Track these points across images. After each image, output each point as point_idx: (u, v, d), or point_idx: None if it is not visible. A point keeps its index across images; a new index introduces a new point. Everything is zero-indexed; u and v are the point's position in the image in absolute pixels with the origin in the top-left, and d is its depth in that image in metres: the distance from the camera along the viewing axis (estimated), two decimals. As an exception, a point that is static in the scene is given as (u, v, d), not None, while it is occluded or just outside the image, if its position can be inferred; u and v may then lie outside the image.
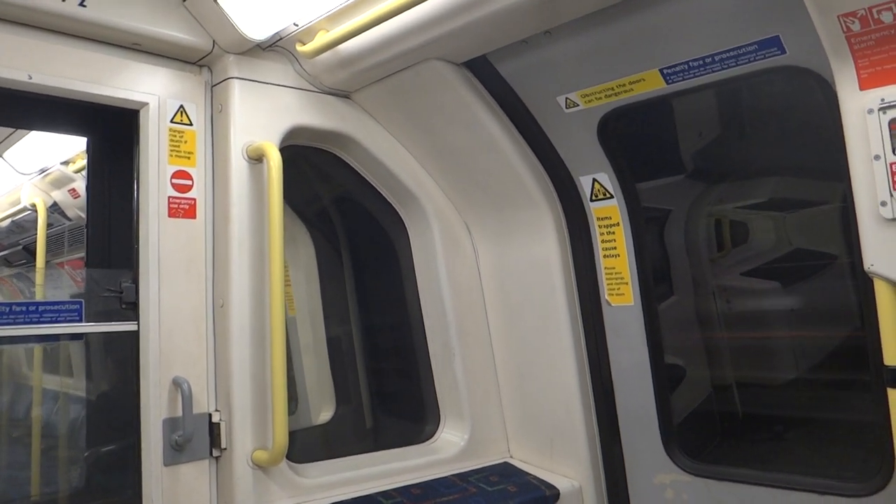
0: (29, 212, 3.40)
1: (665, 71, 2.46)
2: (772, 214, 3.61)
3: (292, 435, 2.52)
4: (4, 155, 3.26)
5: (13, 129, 3.05)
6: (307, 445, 3.24)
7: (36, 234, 3.33)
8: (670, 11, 2.30)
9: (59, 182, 3.26)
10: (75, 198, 3.22)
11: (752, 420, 3.50)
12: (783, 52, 2.22)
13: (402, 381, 3.49)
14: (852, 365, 3.17)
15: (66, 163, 3.18)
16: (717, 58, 2.34)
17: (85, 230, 2.64)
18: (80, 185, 3.18)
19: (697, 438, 3.06)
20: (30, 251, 3.51)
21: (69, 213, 3.27)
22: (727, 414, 3.52)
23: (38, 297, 2.70)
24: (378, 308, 3.60)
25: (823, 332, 3.44)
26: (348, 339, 3.59)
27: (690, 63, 2.40)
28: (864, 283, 2.25)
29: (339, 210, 3.67)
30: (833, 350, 3.40)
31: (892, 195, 1.89)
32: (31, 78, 2.35)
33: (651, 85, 2.53)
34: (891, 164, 1.89)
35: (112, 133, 2.68)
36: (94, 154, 2.70)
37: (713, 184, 3.59)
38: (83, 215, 3.21)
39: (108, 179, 2.67)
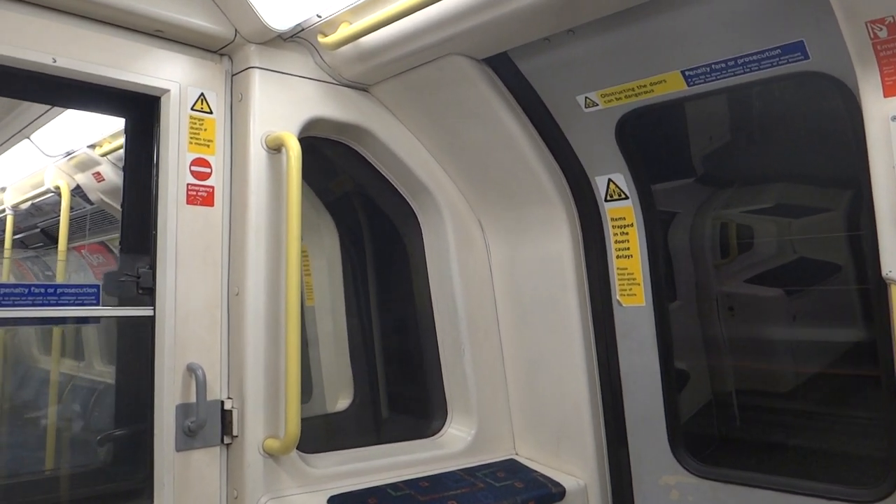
0: (49, 195, 3.40)
1: (687, 73, 2.47)
2: (777, 220, 3.62)
3: (306, 422, 2.53)
4: (32, 137, 3.26)
5: (43, 111, 3.05)
6: (323, 434, 3.24)
7: (54, 217, 3.33)
8: (694, 13, 2.31)
9: (84, 165, 3.25)
10: (99, 181, 3.22)
11: (749, 430, 3.51)
12: (806, 57, 2.23)
13: (413, 375, 3.50)
14: (854, 377, 3.18)
15: (92, 146, 3.18)
16: (739, 61, 2.35)
17: (121, 212, 2.64)
18: (105, 168, 3.18)
19: (694, 446, 3.07)
20: (48, 234, 3.51)
21: (91, 197, 3.27)
22: (726, 422, 3.53)
23: (59, 279, 2.71)
24: (396, 301, 3.61)
25: (827, 340, 3.45)
26: (368, 330, 3.60)
27: (713, 65, 2.40)
28: (878, 289, 2.27)
29: (362, 202, 3.68)
30: (836, 360, 3.41)
31: (913, 203, 1.91)
32: (55, 61, 2.36)
33: (672, 86, 2.53)
34: None
35: (143, 123, 2.69)
36: (133, 136, 2.70)
37: (722, 188, 3.60)
38: (105, 199, 3.22)
39: (144, 163, 2.67)
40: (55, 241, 3.30)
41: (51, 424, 2.94)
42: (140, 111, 2.65)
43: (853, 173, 2.26)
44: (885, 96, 1.96)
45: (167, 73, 2.62)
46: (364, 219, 3.68)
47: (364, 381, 3.55)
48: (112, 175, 3.14)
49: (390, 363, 3.59)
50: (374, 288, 3.62)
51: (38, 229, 3.55)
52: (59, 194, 3.32)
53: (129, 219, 2.63)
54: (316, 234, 3.71)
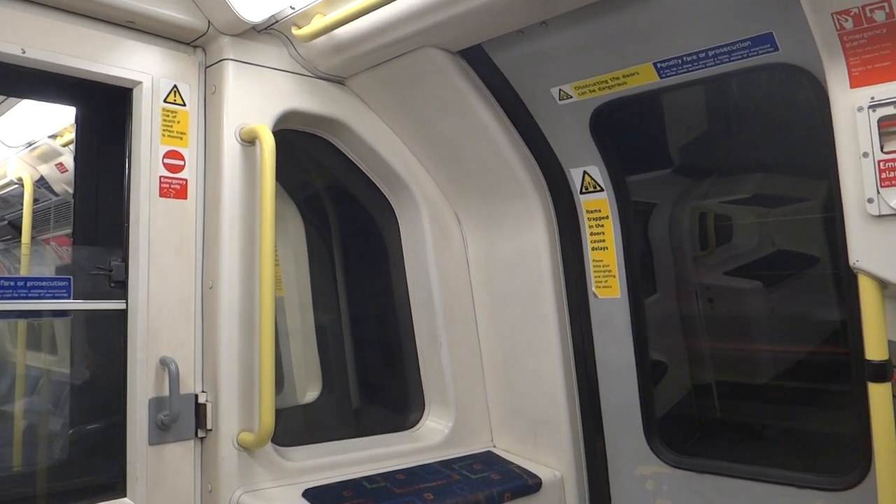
0: (14, 186, 3.35)
1: (659, 65, 2.48)
2: (756, 210, 3.65)
3: (277, 413, 2.52)
4: (-9, 127, 3.22)
5: (1, 100, 3.01)
6: (293, 424, 3.23)
7: (21, 209, 3.28)
8: (666, 5, 2.32)
9: (47, 156, 3.21)
10: (63, 172, 3.17)
11: (729, 421, 3.54)
12: (776, 49, 2.25)
13: (389, 368, 3.50)
14: (831, 369, 3.22)
15: (53, 136, 3.14)
16: (710, 53, 2.36)
17: (72, 205, 2.62)
18: (68, 159, 3.13)
19: (675, 437, 3.09)
20: (15, 227, 3.46)
21: (56, 189, 3.23)
22: (706, 413, 3.56)
23: (24, 272, 2.68)
24: (366, 293, 3.60)
25: (804, 332, 3.48)
26: (336, 321, 3.59)
27: (684, 58, 2.42)
28: (847, 279, 2.30)
29: (332, 196, 3.66)
30: (813, 350, 3.44)
31: (879, 192, 1.93)
32: (24, 52, 2.33)
33: (644, 78, 2.55)
34: (879, 162, 1.93)
35: (102, 105, 2.65)
36: (83, 126, 2.67)
37: (700, 178, 3.62)
38: (70, 190, 3.18)
39: (96, 153, 2.65)
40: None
41: (22, 419, 2.91)
42: (97, 101, 2.62)
43: (829, 163, 2.28)
44: (852, 87, 1.98)
45: (139, 64, 2.60)
46: (332, 210, 3.66)
47: (332, 371, 3.54)
48: (74, 165, 3.10)
49: (362, 354, 3.58)
50: (342, 279, 3.61)
51: (6, 222, 3.51)
52: (23, 186, 3.28)
53: (82, 210, 2.62)
54: (281, 223, 3.68)
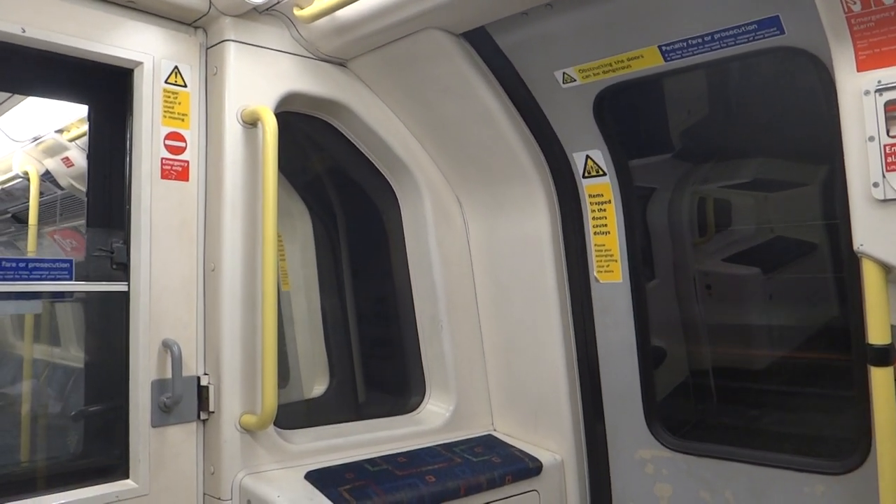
0: (19, 180, 3.34)
1: (664, 48, 2.47)
2: (755, 195, 3.64)
3: (285, 407, 2.52)
4: (-2, 121, 3.21)
5: (8, 96, 3.00)
6: (300, 418, 3.24)
7: (25, 202, 3.28)
8: (672, -13, 2.31)
9: (53, 150, 3.20)
10: (68, 167, 3.17)
11: (726, 406, 3.55)
12: (782, 32, 2.23)
13: (391, 353, 3.50)
14: (827, 354, 3.23)
15: (60, 131, 3.13)
16: (716, 36, 2.35)
17: (86, 193, 2.61)
18: (74, 153, 3.13)
19: (673, 422, 3.10)
20: (19, 220, 3.46)
21: (62, 182, 3.22)
22: (704, 399, 3.57)
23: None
24: (371, 281, 3.60)
25: (801, 319, 3.49)
26: (342, 314, 3.59)
27: (690, 41, 2.40)
28: (850, 263, 2.30)
29: (335, 182, 3.65)
30: (810, 336, 3.45)
31: (884, 176, 1.92)
32: (24, 31, 2.31)
33: (649, 62, 2.53)
34: (885, 146, 1.92)
35: (113, 99, 2.64)
36: (96, 118, 2.65)
37: (700, 163, 3.61)
38: (76, 184, 3.17)
39: (109, 144, 2.63)
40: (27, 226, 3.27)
41: (24, 402, 2.91)
42: (109, 84, 2.60)
43: (830, 148, 2.27)
44: (859, 70, 1.97)
45: (140, 45, 2.58)
46: (337, 200, 3.65)
47: (339, 365, 3.55)
48: (81, 160, 3.09)
49: (366, 345, 3.58)
50: (348, 271, 3.61)
51: (10, 215, 3.50)
52: (28, 179, 3.27)
53: (95, 194, 2.60)
54: (288, 218, 3.68)
